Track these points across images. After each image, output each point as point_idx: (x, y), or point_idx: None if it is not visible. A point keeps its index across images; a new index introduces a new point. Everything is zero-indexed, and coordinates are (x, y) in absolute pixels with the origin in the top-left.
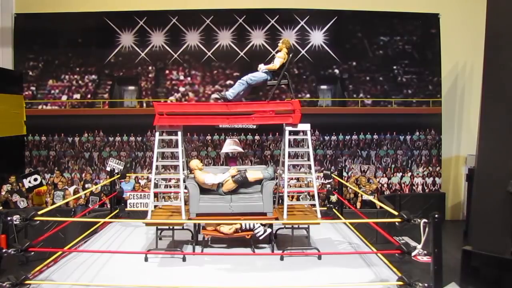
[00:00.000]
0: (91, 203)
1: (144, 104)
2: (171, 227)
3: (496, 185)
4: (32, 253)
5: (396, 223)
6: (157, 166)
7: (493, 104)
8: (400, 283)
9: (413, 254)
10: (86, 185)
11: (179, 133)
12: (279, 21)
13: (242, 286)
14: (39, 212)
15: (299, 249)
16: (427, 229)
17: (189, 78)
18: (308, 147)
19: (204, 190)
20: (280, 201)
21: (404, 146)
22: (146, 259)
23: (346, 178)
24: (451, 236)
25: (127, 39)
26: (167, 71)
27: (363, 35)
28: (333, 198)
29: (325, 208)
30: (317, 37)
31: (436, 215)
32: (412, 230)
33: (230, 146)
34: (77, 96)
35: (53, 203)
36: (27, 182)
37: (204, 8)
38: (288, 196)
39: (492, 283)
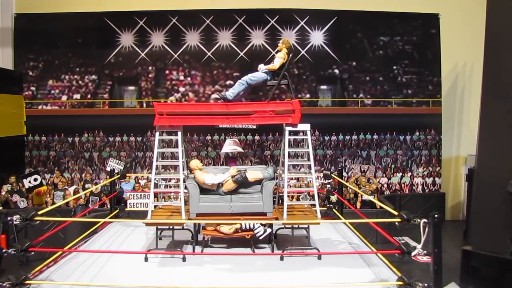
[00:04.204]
0: (91, 203)
1: (144, 104)
2: (171, 227)
3: (496, 185)
4: (32, 253)
5: (396, 223)
6: (157, 166)
7: (493, 104)
8: (400, 283)
9: (413, 254)
10: (86, 185)
11: (179, 133)
12: (279, 21)
13: (242, 286)
14: (39, 212)
15: (299, 249)
16: (427, 229)
17: (189, 78)
18: (308, 147)
19: (204, 190)
20: (280, 201)
21: (404, 146)
22: (146, 259)
23: (346, 178)
24: (451, 236)
25: (127, 39)
26: (167, 71)
27: (363, 35)
28: (333, 198)
29: (325, 208)
30: (317, 37)
31: (436, 215)
32: (412, 230)
33: (230, 146)
34: (77, 96)
35: (53, 203)
36: (27, 182)
37: (204, 8)
38: (288, 196)
39: (492, 283)
